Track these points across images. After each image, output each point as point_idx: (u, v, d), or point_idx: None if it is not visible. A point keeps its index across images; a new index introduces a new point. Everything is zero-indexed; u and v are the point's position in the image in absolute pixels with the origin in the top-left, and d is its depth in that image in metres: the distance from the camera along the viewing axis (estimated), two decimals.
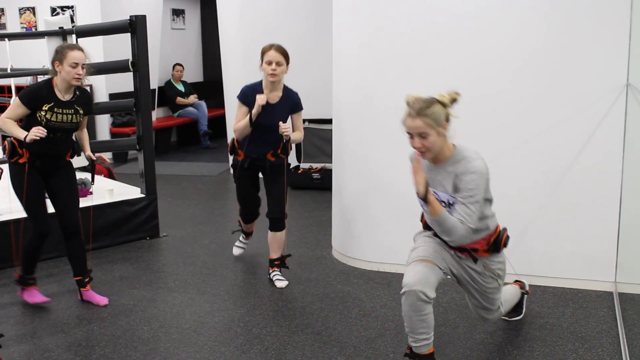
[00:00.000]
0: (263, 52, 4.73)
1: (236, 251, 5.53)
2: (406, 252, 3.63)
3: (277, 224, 4.93)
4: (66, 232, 4.68)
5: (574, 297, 4.59)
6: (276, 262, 5.01)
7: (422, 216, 3.64)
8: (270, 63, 4.67)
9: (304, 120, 8.12)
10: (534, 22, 4.53)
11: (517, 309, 4.20)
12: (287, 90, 4.86)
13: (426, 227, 3.64)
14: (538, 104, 4.58)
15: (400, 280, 4.82)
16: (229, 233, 6.01)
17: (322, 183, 7.80)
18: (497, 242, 3.51)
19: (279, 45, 4.72)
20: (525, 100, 4.61)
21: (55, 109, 4.39)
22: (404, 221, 4.75)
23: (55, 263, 5.44)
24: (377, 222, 5.15)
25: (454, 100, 3.27)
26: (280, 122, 4.72)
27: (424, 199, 3.21)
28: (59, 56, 4.40)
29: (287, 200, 4.94)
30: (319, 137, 8.19)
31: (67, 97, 4.46)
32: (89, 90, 4.76)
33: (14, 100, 4.42)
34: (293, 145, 5.40)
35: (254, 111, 4.64)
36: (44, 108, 4.34)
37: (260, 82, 4.81)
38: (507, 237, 3.55)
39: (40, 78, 9.85)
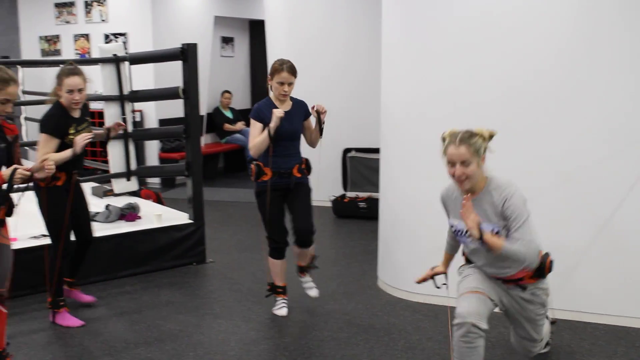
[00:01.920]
0: (275, 71, 4.69)
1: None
2: (452, 284, 3.61)
3: (305, 239, 4.80)
4: (84, 242, 4.97)
5: (626, 336, 4.48)
6: (305, 268, 5.03)
7: (464, 251, 3.65)
8: (282, 84, 4.68)
9: (351, 149, 8.21)
10: (578, 53, 4.49)
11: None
12: (294, 100, 4.86)
13: (468, 260, 3.64)
14: (585, 135, 4.52)
15: (446, 313, 4.80)
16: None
17: (369, 212, 7.78)
18: (541, 267, 3.48)
19: (290, 65, 4.70)
20: (571, 131, 4.55)
21: (78, 128, 4.58)
22: None
23: (103, 286, 5.51)
24: (423, 253, 5.10)
25: (491, 137, 3.36)
26: (315, 104, 4.73)
27: (480, 239, 3.22)
28: (58, 81, 4.56)
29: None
30: (366, 166, 8.19)
31: (77, 114, 4.67)
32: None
33: (41, 138, 4.51)
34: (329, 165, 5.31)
35: (272, 124, 4.56)
36: (70, 131, 4.51)
37: (269, 99, 4.81)
38: (551, 262, 3.52)
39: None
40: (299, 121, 4.80)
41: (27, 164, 7.49)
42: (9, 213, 3.80)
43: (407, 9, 5.06)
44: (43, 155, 4.38)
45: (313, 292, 5.04)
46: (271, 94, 4.79)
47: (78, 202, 4.81)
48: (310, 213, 4.82)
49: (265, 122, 4.64)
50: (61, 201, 4.62)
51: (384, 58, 5.39)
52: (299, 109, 4.82)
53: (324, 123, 4.74)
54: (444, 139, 3.39)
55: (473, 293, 3.40)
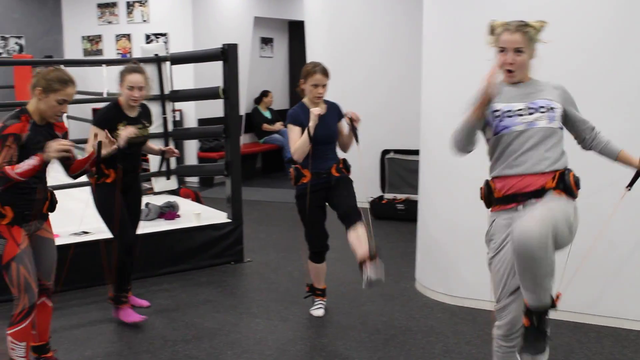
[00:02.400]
0: (308, 74, 4.71)
1: (319, 312, 4.97)
2: (490, 289, 3.54)
3: (351, 212, 4.60)
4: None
5: None
6: (370, 258, 4.56)
7: (489, 194, 3.36)
8: (316, 86, 4.68)
9: (389, 151, 8.19)
10: (616, 51, 4.41)
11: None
12: (328, 102, 4.85)
13: (499, 200, 3.29)
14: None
15: (485, 317, 4.76)
16: (307, 261, 6.02)
17: (406, 214, 7.75)
18: (565, 178, 3.12)
19: (322, 67, 4.71)
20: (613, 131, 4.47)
21: (128, 127, 4.55)
22: None
23: (142, 283, 5.56)
24: (462, 257, 5.07)
25: (541, 27, 3.25)
26: (347, 111, 4.67)
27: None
28: (120, 78, 4.60)
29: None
30: (404, 168, 8.15)
31: (134, 114, 4.67)
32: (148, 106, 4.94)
33: (91, 129, 4.56)
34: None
35: (311, 124, 4.55)
36: (119, 127, 4.51)
37: (302, 104, 4.79)
38: (576, 177, 3.18)
39: None
40: (334, 124, 4.78)
41: None
42: (52, 208, 3.87)
43: (449, 7, 5.02)
44: (90, 145, 4.43)
45: (319, 312, 4.97)
46: (305, 99, 4.79)
47: (130, 202, 4.80)
48: (353, 197, 4.70)
49: (303, 125, 4.63)
50: (110, 198, 4.63)
51: (424, 58, 5.36)
52: (333, 112, 4.81)
53: (357, 130, 4.67)
54: (493, 29, 3.26)
55: (509, 297, 3.31)
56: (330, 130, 4.73)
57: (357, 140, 4.68)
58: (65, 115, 9.15)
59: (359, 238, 4.54)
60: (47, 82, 3.61)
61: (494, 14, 4.69)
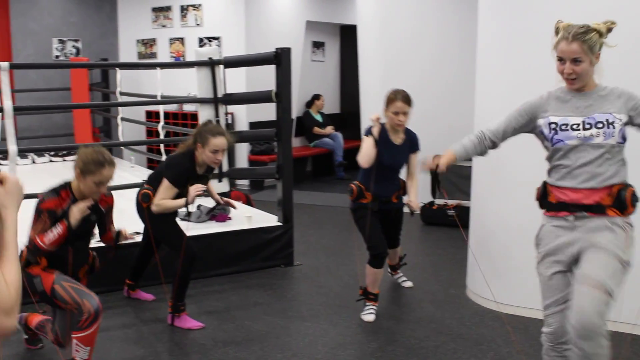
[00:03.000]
0: (389, 101, 4.75)
1: (369, 317, 4.95)
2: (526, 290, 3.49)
3: (393, 245, 5.20)
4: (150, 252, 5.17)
5: None
6: (396, 266, 5.44)
7: (545, 197, 3.30)
8: (397, 114, 4.72)
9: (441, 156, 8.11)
10: None
11: None
12: (409, 132, 4.93)
13: (551, 207, 3.25)
14: None
15: (538, 326, 4.67)
16: (362, 265, 6.00)
17: (458, 220, 7.66)
18: (621, 195, 3.06)
19: (404, 95, 4.73)
20: None
21: (193, 182, 4.72)
22: None
23: (193, 284, 5.56)
24: (515, 264, 5.00)
25: (609, 30, 3.14)
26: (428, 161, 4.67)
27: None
28: (202, 140, 4.65)
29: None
30: (456, 174, 8.06)
31: (201, 172, 4.82)
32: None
33: (164, 182, 4.67)
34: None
35: (374, 130, 4.69)
36: (189, 186, 4.68)
37: (384, 126, 4.84)
38: (635, 195, 3.09)
39: (186, 106, 10.31)
40: (405, 156, 4.92)
41: (122, 162, 7.75)
42: (91, 271, 4.13)
43: (504, 13, 4.97)
44: (159, 199, 4.65)
45: (408, 284, 5.53)
46: (387, 123, 4.84)
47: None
48: (399, 230, 5.29)
49: (377, 148, 4.73)
50: (166, 216, 4.80)
51: (478, 64, 5.30)
52: (409, 144, 4.92)
53: (439, 182, 4.63)
54: (557, 31, 3.17)
55: (558, 306, 3.26)
56: (399, 160, 4.91)
57: (439, 189, 4.60)
58: (119, 117, 9.30)
59: (392, 255, 5.32)
60: (84, 164, 3.76)
61: (550, 19, 4.65)
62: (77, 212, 3.73)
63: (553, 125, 3.19)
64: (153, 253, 5.13)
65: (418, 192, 5.01)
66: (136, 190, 4.99)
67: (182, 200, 4.64)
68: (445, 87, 8.17)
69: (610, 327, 3.30)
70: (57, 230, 3.69)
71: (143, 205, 4.76)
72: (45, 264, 3.81)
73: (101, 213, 4.02)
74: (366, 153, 4.71)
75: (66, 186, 3.83)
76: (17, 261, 1.68)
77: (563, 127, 3.16)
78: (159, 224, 4.80)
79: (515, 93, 4.87)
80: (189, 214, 6.21)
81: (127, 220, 5.36)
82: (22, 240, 3.81)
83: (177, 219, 4.94)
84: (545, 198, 3.29)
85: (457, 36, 7.98)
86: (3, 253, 1.65)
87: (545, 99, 3.28)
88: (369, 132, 4.76)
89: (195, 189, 4.57)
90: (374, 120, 4.69)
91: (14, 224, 1.71)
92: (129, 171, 8.88)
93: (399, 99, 4.70)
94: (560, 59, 3.14)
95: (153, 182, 4.77)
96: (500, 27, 5.03)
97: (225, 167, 6.93)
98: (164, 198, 4.66)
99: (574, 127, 3.13)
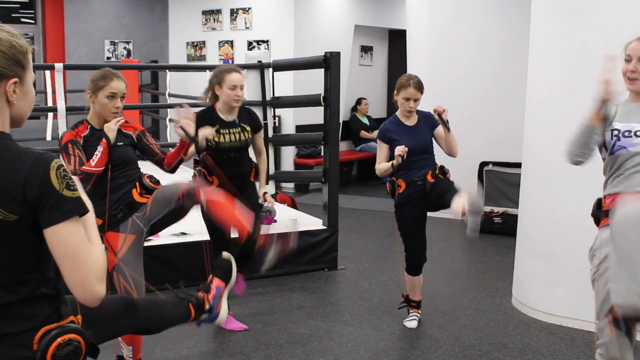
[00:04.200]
0: (401, 86, 4.66)
1: (412, 324, 4.91)
2: (593, 309, 3.41)
3: (452, 189, 4.46)
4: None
5: None
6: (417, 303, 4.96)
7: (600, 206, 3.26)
8: (408, 100, 4.64)
9: (488, 163, 8.05)
10: None
11: None
12: (420, 113, 4.80)
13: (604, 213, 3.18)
14: None
15: (584, 338, 4.61)
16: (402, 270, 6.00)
17: (503, 228, 7.59)
18: None
19: (417, 81, 4.65)
20: None
21: (222, 131, 4.51)
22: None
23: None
24: (562, 274, 4.92)
25: None
26: (435, 107, 4.61)
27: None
28: (217, 80, 4.50)
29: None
30: (502, 181, 8.00)
31: (230, 118, 4.58)
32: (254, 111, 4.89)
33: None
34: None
35: (394, 162, 4.51)
36: (221, 131, 4.50)
37: (395, 116, 4.77)
38: None
39: None
40: (427, 134, 4.74)
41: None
42: (143, 192, 3.79)
43: (557, 17, 4.91)
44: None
45: (413, 324, 4.91)
46: (398, 111, 4.78)
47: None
48: (454, 185, 4.53)
49: (391, 142, 4.65)
50: None
51: (530, 70, 5.24)
52: (425, 123, 4.77)
53: (448, 122, 4.61)
54: (626, 46, 3.13)
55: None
56: (422, 141, 4.70)
57: (448, 129, 4.61)
58: (168, 119, 9.41)
59: (461, 198, 4.19)
60: (92, 82, 3.72)
61: (601, 23, 4.58)
62: (110, 125, 3.66)
63: (615, 132, 3.13)
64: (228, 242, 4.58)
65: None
66: None
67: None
68: (496, 94, 8.08)
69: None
70: (99, 150, 3.63)
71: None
72: (100, 223, 3.58)
73: (133, 141, 3.88)
74: (382, 170, 4.67)
75: (82, 121, 3.79)
76: (99, 238, 1.91)
77: (626, 134, 3.10)
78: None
79: (567, 102, 4.82)
80: None
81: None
82: None
83: None
84: (600, 210, 3.22)
85: (513, 41, 7.85)
86: (90, 233, 1.87)
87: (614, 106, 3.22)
88: (384, 138, 4.68)
89: (203, 132, 4.21)
90: (398, 154, 4.46)
91: (91, 207, 1.91)
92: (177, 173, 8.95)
93: (412, 85, 4.62)
94: (628, 59, 3.09)
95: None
96: (551, 31, 4.96)
97: (272, 170, 6.96)
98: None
99: (638, 133, 3.08)
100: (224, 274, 3.49)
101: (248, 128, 4.65)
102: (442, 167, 4.72)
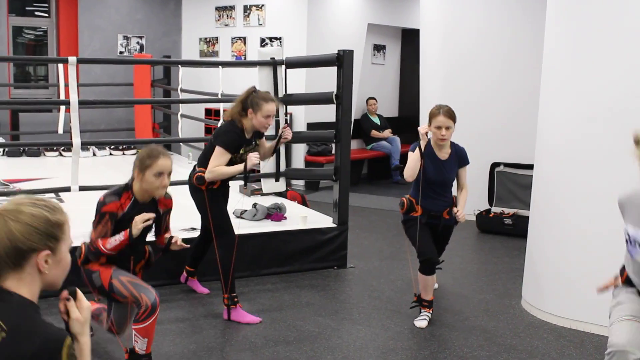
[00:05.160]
0: (432, 115, 4.77)
1: (422, 323, 4.90)
2: (603, 312, 3.41)
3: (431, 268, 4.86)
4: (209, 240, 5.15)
5: None
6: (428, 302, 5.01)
7: (623, 271, 3.38)
8: (439, 128, 4.72)
9: (499, 164, 8.02)
10: None
11: None
12: (454, 147, 4.91)
13: (627, 282, 3.38)
14: None
15: (594, 341, 4.59)
16: (415, 271, 5.98)
17: (514, 229, 7.57)
18: None
19: (447, 109, 4.73)
20: None
21: (246, 148, 4.84)
22: (602, 279, 4.48)
23: (246, 282, 5.65)
24: (573, 276, 4.90)
25: None
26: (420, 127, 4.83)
27: None
28: (253, 106, 4.75)
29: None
30: (514, 182, 7.97)
31: (249, 136, 4.89)
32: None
33: (217, 150, 4.75)
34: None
35: (422, 143, 4.72)
36: (241, 151, 4.81)
37: (429, 143, 4.85)
38: None
39: None
40: (453, 172, 4.89)
41: (180, 159, 7.89)
42: (147, 267, 4.19)
43: (571, 21, 4.88)
44: (214, 166, 4.72)
45: (423, 323, 4.91)
46: (432, 141, 4.85)
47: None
48: (445, 247, 5.16)
49: (423, 164, 4.77)
50: (219, 200, 4.91)
51: (543, 72, 5.21)
52: (455, 158, 4.89)
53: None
54: (638, 140, 3.07)
55: (629, 321, 3.19)
56: (446, 178, 4.86)
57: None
58: (179, 114, 9.43)
59: (425, 285, 4.92)
60: (140, 161, 3.85)
61: (617, 24, 4.56)
62: (139, 222, 3.77)
63: (632, 239, 3.13)
64: (211, 240, 5.06)
65: (466, 203, 5.02)
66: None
67: (240, 166, 4.75)
68: (509, 94, 8.04)
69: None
70: (119, 238, 3.77)
71: (202, 188, 4.81)
72: (104, 261, 3.88)
73: (159, 214, 4.05)
74: (410, 166, 4.75)
75: (127, 187, 3.90)
76: None
77: (633, 243, 3.11)
78: (211, 206, 4.83)
79: (580, 103, 4.80)
80: (244, 212, 6.28)
81: (185, 215, 5.45)
82: (84, 234, 3.92)
83: (232, 215, 4.99)
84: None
85: (524, 43, 7.84)
86: None
87: (626, 200, 3.20)
88: (415, 148, 4.78)
89: (254, 155, 4.69)
90: (423, 132, 4.71)
91: (88, 351, 1.93)
92: (187, 167, 8.93)
93: (442, 113, 4.71)
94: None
95: (204, 163, 4.82)
96: (565, 35, 4.94)
97: (283, 167, 6.96)
98: (217, 165, 4.72)
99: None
100: None
101: (257, 142, 5.02)
102: (456, 201, 4.97)
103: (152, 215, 3.83)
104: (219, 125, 5.01)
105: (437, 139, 4.76)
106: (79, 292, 1.94)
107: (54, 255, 1.91)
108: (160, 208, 4.06)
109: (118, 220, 3.83)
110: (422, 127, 4.72)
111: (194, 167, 4.96)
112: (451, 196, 4.95)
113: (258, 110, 4.75)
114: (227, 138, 4.78)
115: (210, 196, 4.83)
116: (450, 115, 4.72)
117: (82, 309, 1.93)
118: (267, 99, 4.80)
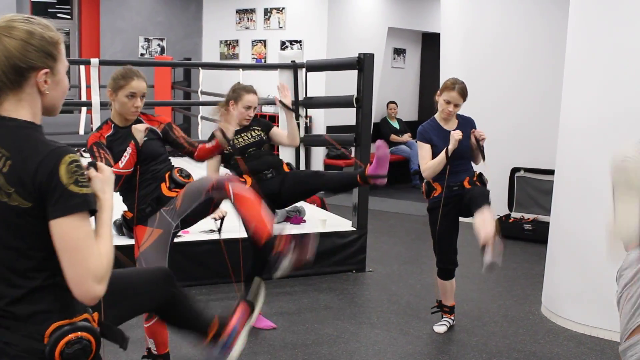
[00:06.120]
0: (445, 88, 4.61)
1: (441, 329, 4.87)
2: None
3: (480, 199, 4.44)
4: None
5: None
6: (450, 309, 4.92)
7: None
8: (449, 103, 4.58)
9: (520, 169, 7.97)
10: None
11: None
12: (460, 117, 4.75)
13: None
14: None
15: (615, 349, 4.54)
16: (434, 275, 5.95)
17: (534, 235, 7.52)
18: None
19: (462, 87, 4.59)
20: None
21: (236, 137, 4.62)
22: None
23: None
24: (593, 283, 4.85)
25: None
26: (473, 130, 4.65)
27: None
28: (234, 95, 4.63)
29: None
30: (534, 188, 7.92)
31: (242, 125, 4.69)
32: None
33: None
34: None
35: (450, 147, 4.48)
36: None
37: (434, 119, 4.72)
38: None
39: (265, 108, 10.43)
40: (465, 139, 4.63)
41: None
42: (171, 185, 3.82)
43: (594, 25, 4.84)
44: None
45: (442, 329, 4.87)
46: (437, 114, 4.73)
47: (286, 199, 4.85)
48: (485, 191, 4.55)
49: (432, 142, 4.60)
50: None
51: (565, 77, 5.18)
52: (467, 127, 4.69)
53: (483, 148, 4.62)
54: None
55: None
56: (463, 146, 4.61)
57: (483, 158, 4.62)
58: (199, 116, 9.46)
59: (484, 221, 4.32)
60: (113, 81, 3.74)
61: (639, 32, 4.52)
62: (138, 127, 3.69)
63: None
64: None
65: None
66: None
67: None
68: (529, 99, 7.99)
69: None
70: (127, 153, 3.66)
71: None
72: (130, 217, 3.73)
73: (159, 135, 3.90)
74: (432, 166, 4.54)
75: (106, 120, 3.82)
76: (111, 237, 1.89)
77: None
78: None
79: (601, 108, 4.76)
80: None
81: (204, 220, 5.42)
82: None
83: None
84: None
85: (545, 49, 7.80)
86: (99, 231, 1.88)
87: None
88: (424, 139, 4.63)
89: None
90: (457, 138, 4.47)
91: (110, 206, 1.92)
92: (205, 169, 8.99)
93: (456, 89, 4.56)
94: None
95: None
96: (588, 39, 4.90)
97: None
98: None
99: None
100: (253, 300, 3.50)
101: (258, 128, 4.80)
102: (480, 175, 4.69)
103: (146, 125, 3.75)
104: None
105: (443, 113, 4.63)
106: (100, 164, 1.94)
107: (53, 75, 1.90)
108: (155, 126, 3.90)
109: (109, 148, 3.70)
110: (457, 133, 4.50)
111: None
112: (471, 170, 4.71)
113: (239, 100, 4.61)
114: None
115: None
116: (464, 93, 4.59)
117: (101, 170, 1.92)
118: (248, 90, 4.66)
